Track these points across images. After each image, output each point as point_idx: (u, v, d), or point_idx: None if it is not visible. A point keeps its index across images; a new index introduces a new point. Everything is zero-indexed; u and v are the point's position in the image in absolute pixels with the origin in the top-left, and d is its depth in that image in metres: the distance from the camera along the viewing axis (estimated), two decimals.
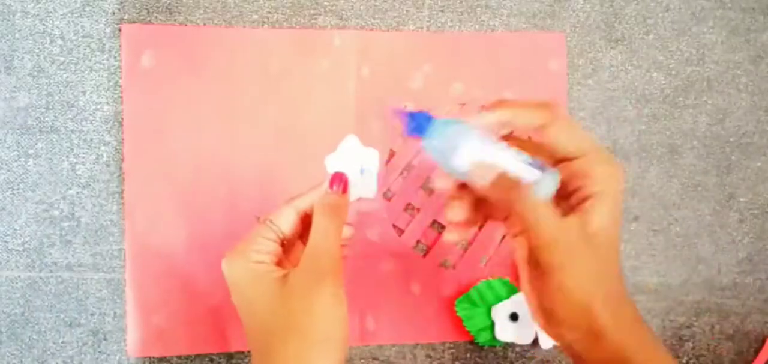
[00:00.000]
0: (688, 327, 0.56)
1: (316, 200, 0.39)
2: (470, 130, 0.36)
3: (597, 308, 0.34)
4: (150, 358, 0.50)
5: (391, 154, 0.53)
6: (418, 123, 0.37)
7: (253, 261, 0.37)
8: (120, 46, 0.51)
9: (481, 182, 0.35)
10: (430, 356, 0.53)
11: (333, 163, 0.43)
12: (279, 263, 0.38)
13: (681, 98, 0.57)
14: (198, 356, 0.51)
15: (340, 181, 0.40)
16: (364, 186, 0.42)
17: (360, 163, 0.44)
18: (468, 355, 0.53)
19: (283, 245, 0.39)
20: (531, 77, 0.55)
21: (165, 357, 0.50)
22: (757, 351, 0.57)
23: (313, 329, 0.35)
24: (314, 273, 0.36)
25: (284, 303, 0.36)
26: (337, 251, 0.37)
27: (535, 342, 0.52)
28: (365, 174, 0.43)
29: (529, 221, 0.34)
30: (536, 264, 0.35)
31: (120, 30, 0.51)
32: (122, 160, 0.50)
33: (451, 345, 0.53)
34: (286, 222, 0.39)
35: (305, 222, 0.40)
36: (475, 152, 0.35)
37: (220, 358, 0.51)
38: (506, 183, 0.35)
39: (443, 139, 0.36)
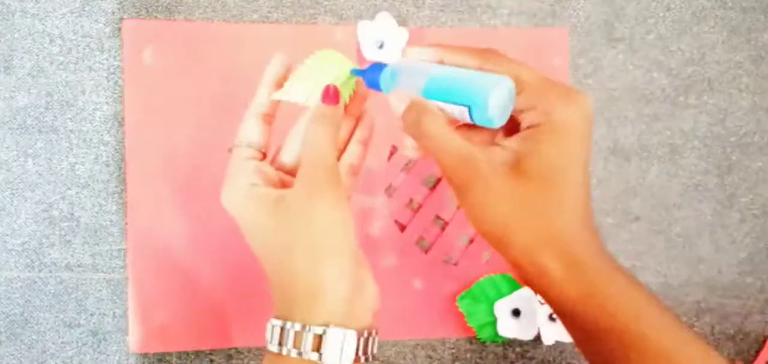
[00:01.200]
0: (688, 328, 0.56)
1: (309, 111, 0.38)
2: (410, 65, 0.36)
3: (520, 241, 0.33)
4: (150, 355, 0.50)
5: (393, 150, 0.53)
6: (373, 76, 0.38)
7: (244, 185, 0.37)
8: (120, 43, 0.51)
9: (397, 110, 0.36)
10: (431, 356, 0.53)
11: (364, 29, 0.48)
12: (270, 180, 0.38)
13: (682, 98, 0.57)
14: (197, 353, 0.51)
15: (331, 96, 0.38)
16: (383, 57, 0.44)
17: (385, 37, 0.48)
18: (468, 355, 0.53)
19: (264, 156, 0.39)
20: None
21: (166, 355, 0.50)
22: (757, 351, 0.57)
23: (317, 241, 0.35)
24: (310, 186, 0.35)
25: (284, 222, 0.35)
26: (332, 159, 0.36)
27: (538, 338, 0.52)
28: (385, 49, 0.47)
29: (433, 145, 0.34)
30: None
31: (120, 28, 0.51)
32: (123, 157, 0.50)
33: (452, 345, 0.53)
34: (254, 132, 0.39)
35: (272, 121, 0.39)
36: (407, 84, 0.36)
37: (219, 357, 0.51)
38: (417, 107, 0.35)
39: (392, 82, 0.37)
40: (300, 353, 0.34)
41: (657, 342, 0.32)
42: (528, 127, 0.34)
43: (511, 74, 0.34)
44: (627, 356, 0.32)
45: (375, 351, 0.36)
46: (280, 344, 0.34)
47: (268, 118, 0.39)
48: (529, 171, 0.33)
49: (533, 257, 0.33)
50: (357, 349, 0.34)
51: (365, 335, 0.35)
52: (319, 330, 0.33)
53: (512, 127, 0.35)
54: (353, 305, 0.35)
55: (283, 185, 0.38)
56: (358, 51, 0.52)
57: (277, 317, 0.35)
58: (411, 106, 0.36)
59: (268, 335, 0.35)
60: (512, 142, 0.34)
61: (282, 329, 0.34)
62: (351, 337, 0.34)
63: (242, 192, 0.37)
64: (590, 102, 0.33)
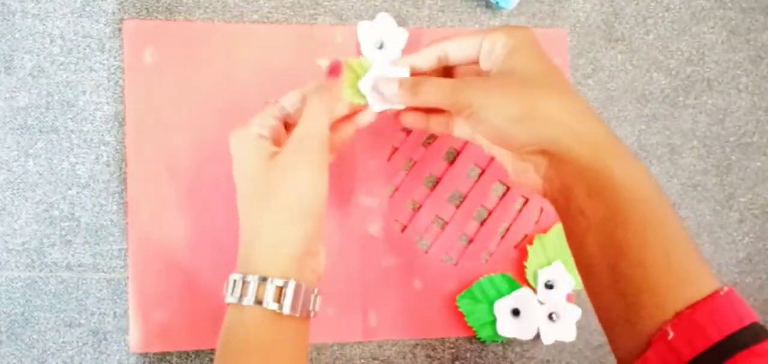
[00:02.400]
0: None
1: (312, 84, 0.42)
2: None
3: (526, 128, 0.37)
4: (150, 355, 0.50)
5: (394, 150, 0.53)
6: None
7: (253, 133, 0.40)
8: (121, 43, 0.51)
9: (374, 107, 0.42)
10: (431, 356, 0.53)
11: (364, 29, 0.49)
12: (278, 141, 0.41)
13: (681, 98, 0.57)
14: (198, 352, 0.51)
15: (334, 70, 0.43)
16: (380, 59, 0.46)
17: (384, 38, 0.50)
18: (468, 354, 0.53)
19: (286, 125, 0.43)
20: None
21: (166, 354, 0.50)
22: None
23: (291, 200, 0.38)
24: (299, 148, 0.39)
25: (267, 173, 0.39)
26: (325, 131, 0.40)
27: (537, 338, 0.52)
28: (385, 49, 0.49)
29: (434, 96, 0.40)
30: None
31: (120, 28, 0.51)
32: (124, 157, 0.50)
33: (451, 344, 0.53)
34: (290, 102, 0.43)
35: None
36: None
37: None
38: (407, 82, 0.41)
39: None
40: (259, 303, 0.37)
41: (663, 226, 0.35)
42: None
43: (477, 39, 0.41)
44: (642, 235, 0.35)
45: (318, 308, 0.40)
46: (241, 296, 0.38)
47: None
48: (526, 68, 0.38)
49: (563, 125, 0.37)
50: (307, 303, 0.39)
51: (315, 292, 0.40)
52: (280, 282, 0.37)
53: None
54: (304, 264, 0.39)
55: (279, 138, 0.42)
56: (358, 52, 0.52)
57: (237, 272, 0.39)
58: (402, 84, 0.41)
59: (229, 288, 0.39)
60: (495, 69, 0.40)
61: (244, 281, 0.38)
62: (309, 292, 0.38)
63: (249, 137, 0.40)
64: (523, 28, 0.40)
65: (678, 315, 0.32)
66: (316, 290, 0.40)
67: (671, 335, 0.32)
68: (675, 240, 0.35)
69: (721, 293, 0.32)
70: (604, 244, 0.36)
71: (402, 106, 0.43)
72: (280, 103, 0.43)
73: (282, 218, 0.38)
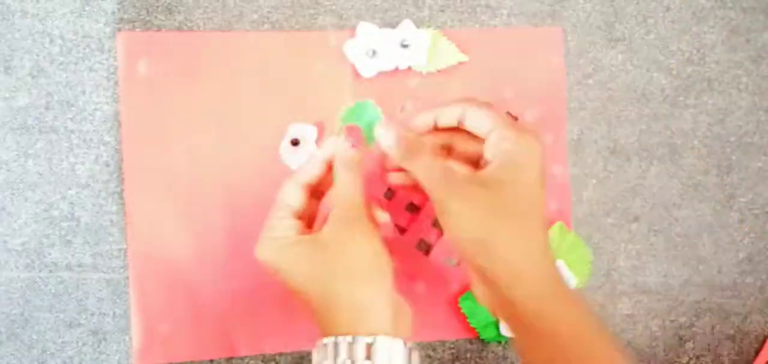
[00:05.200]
0: (688, 327, 0.56)
1: (337, 157, 0.42)
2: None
3: (498, 248, 0.38)
4: None
5: None
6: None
7: (281, 238, 0.40)
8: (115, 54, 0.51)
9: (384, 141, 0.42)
10: (431, 356, 0.53)
11: (351, 47, 0.51)
12: (302, 232, 0.41)
13: (681, 98, 0.57)
14: (200, 362, 0.51)
15: (353, 133, 0.43)
16: (377, 66, 0.49)
17: (374, 46, 0.51)
18: (468, 355, 0.53)
19: (300, 218, 0.42)
20: (529, 73, 0.54)
21: None
22: (757, 351, 0.57)
23: (354, 266, 0.39)
24: (344, 220, 0.40)
25: (322, 257, 0.39)
26: (362, 199, 0.41)
27: None
28: (377, 57, 0.51)
29: (421, 172, 0.41)
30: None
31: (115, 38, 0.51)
32: (121, 162, 0.50)
33: (452, 345, 0.53)
34: (293, 198, 0.42)
35: (310, 192, 0.43)
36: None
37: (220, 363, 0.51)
38: (407, 142, 0.42)
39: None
40: (353, 363, 0.37)
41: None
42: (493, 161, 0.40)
43: (475, 124, 0.41)
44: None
45: (417, 363, 0.39)
46: (335, 358, 0.37)
47: (310, 188, 0.43)
48: (507, 187, 0.39)
49: (509, 264, 0.38)
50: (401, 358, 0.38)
51: (409, 345, 0.38)
52: (369, 339, 0.37)
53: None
54: (395, 321, 0.39)
55: (302, 232, 0.42)
56: (354, 73, 0.52)
57: (326, 337, 0.38)
58: (398, 144, 0.42)
59: (318, 356, 0.38)
60: (485, 170, 0.40)
61: (335, 344, 0.37)
62: (398, 345, 0.38)
63: (279, 243, 0.40)
64: (537, 144, 0.40)
65: None
66: (412, 345, 0.39)
67: None
68: None
69: None
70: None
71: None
72: (282, 203, 0.42)
73: (352, 282, 0.39)
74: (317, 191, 0.44)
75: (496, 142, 0.40)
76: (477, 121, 0.41)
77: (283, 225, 0.41)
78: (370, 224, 0.41)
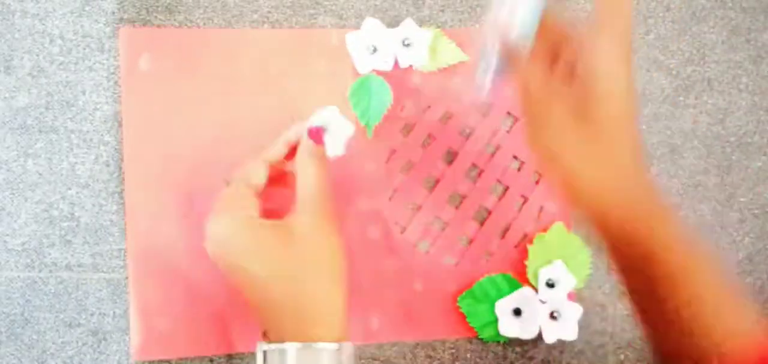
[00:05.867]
0: None
1: (299, 150, 0.42)
2: None
3: (586, 186, 0.36)
4: (152, 362, 0.50)
5: (392, 152, 0.53)
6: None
7: (243, 217, 0.39)
8: (117, 50, 0.51)
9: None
10: (431, 356, 0.53)
11: (353, 40, 0.51)
12: (262, 213, 0.40)
13: (681, 98, 0.57)
14: (200, 359, 0.51)
15: (315, 134, 0.42)
16: (376, 63, 0.49)
17: (375, 42, 0.51)
18: (468, 355, 0.53)
19: (259, 196, 0.42)
20: None
21: (168, 362, 0.50)
22: None
23: (324, 265, 0.38)
24: (314, 215, 0.39)
25: (290, 248, 0.38)
26: (329, 192, 0.40)
27: (539, 337, 0.52)
28: (378, 54, 0.50)
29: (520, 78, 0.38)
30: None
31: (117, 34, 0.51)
32: (121, 161, 0.50)
33: (452, 345, 0.53)
34: (257, 175, 0.42)
35: (272, 172, 0.42)
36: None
37: (219, 360, 0.51)
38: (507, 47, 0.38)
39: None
40: None
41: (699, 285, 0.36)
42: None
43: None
44: (672, 282, 0.36)
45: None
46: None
47: (273, 168, 0.43)
48: (595, 121, 0.36)
49: (599, 205, 0.37)
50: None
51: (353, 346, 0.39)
52: (335, 346, 0.36)
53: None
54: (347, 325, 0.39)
55: (261, 213, 0.40)
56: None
57: (284, 340, 0.37)
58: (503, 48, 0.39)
59: (292, 359, 0.36)
60: (581, 87, 0.36)
61: (311, 348, 0.36)
62: (351, 349, 0.38)
63: (240, 222, 0.38)
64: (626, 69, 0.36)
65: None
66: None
67: None
68: (707, 288, 0.36)
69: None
70: (641, 291, 0.37)
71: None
72: (244, 179, 0.41)
73: (324, 286, 0.38)
74: (272, 178, 0.43)
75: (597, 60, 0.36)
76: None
77: (246, 202, 0.39)
78: (334, 224, 0.40)
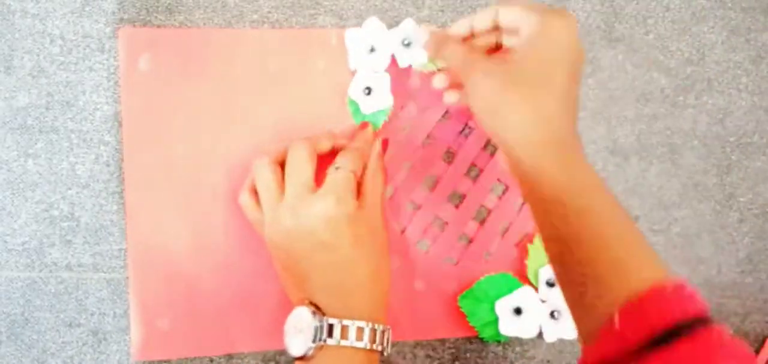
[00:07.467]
0: None
1: (371, 158, 0.47)
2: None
3: (513, 120, 0.39)
4: (152, 362, 0.50)
5: (385, 142, 0.53)
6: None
7: (351, 203, 0.44)
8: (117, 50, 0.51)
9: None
10: (431, 356, 0.53)
11: (352, 37, 0.52)
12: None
13: (681, 98, 0.57)
14: (200, 359, 0.51)
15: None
16: (371, 64, 0.52)
17: (374, 42, 0.52)
18: (468, 354, 0.53)
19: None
20: None
21: (168, 362, 0.50)
22: (757, 351, 0.57)
23: (387, 255, 0.47)
24: (372, 203, 0.46)
25: (373, 235, 0.45)
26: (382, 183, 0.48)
27: (539, 336, 0.52)
28: (375, 54, 0.52)
29: (450, 58, 0.45)
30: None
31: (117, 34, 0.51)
32: (121, 161, 0.50)
33: (452, 344, 0.53)
34: (356, 164, 0.46)
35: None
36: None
37: (219, 360, 0.51)
38: (435, 39, 0.47)
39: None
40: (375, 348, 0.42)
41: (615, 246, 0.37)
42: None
43: (506, 17, 0.44)
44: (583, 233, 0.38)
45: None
46: (372, 341, 0.42)
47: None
48: (523, 61, 0.40)
49: (516, 131, 0.39)
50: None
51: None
52: (380, 328, 0.43)
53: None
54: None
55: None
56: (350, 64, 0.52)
57: (352, 318, 0.42)
58: (431, 39, 0.47)
59: (353, 334, 0.41)
60: (508, 48, 0.43)
61: (373, 330, 0.42)
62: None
63: (347, 206, 0.44)
64: (573, 20, 0.41)
65: (624, 306, 0.34)
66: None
67: (617, 323, 0.34)
68: (614, 234, 0.37)
69: (668, 285, 0.34)
70: (552, 237, 0.40)
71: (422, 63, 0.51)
72: (348, 166, 0.46)
73: (386, 264, 0.47)
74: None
75: (524, 24, 0.41)
76: (510, 15, 0.43)
77: (352, 188, 0.45)
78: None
